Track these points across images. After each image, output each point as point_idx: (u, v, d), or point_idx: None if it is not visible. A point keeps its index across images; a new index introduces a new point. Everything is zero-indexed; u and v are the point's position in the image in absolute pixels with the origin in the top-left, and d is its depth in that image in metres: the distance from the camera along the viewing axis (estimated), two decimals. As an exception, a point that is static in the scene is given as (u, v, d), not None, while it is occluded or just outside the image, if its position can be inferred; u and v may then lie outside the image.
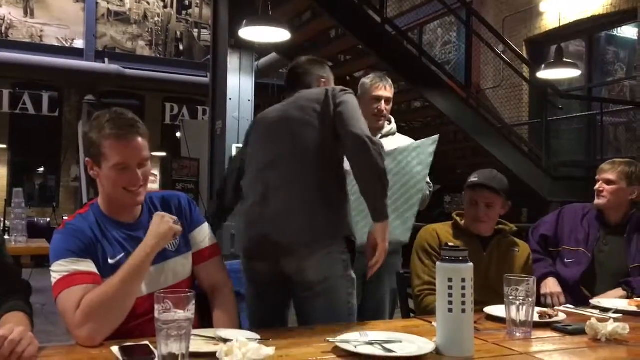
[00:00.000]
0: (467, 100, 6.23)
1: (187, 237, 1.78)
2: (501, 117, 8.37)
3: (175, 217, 1.65)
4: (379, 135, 2.92)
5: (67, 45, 13.40)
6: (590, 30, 8.27)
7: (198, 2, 14.87)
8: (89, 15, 13.58)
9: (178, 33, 14.85)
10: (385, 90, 2.88)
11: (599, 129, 7.24)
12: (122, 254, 1.63)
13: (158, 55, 14.48)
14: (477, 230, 2.31)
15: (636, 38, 7.80)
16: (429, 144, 2.69)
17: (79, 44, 13.46)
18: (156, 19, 14.58)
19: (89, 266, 1.58)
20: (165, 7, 14.70)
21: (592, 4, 7.86)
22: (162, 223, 1.59)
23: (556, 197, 5.91)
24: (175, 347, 1.26)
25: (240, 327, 1.74)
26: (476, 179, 2.27)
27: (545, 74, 6.22)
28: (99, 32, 13.80)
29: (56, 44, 13.23)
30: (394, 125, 3.01)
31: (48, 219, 10.12)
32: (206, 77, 12.77)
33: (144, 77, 13.25)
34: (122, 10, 14.14)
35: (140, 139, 1.63)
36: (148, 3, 14.47)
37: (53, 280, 1.56)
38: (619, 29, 8.29)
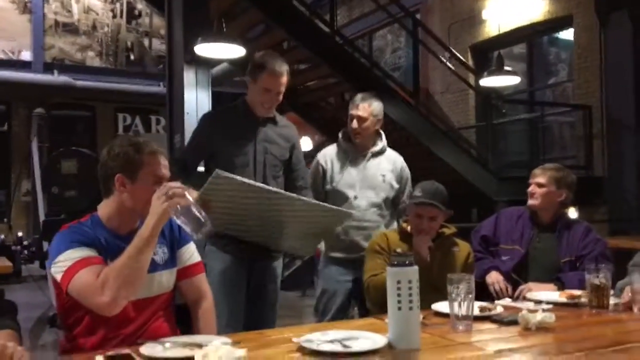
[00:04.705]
0: (416, 106, 6.49)
1: (175, 254, 1.97)
2: (449, 122, 8.70)
3: (176, 187, 1.73)
4: (369, 155, 3.09)
5: (14, 58, 13.14)
6: (530, 36, 8.68)
7: (148, 11, 14.80)
8: (36, 26, 13.35)
9: (129, 43, 14.74)
10: (357, 109, 3.04)
11: (541, 131, 7.64)
12: None
13: (108, 66, 14.35)
14: None
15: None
16: (341, 217, 2.69)
17: (27, 56, 13.22)
18: (105, 29, 14.44)
19: (97, 253, 1.75)
20: (114, 17, 14.56)
21: (530, 11, 8.25)
22: (158, 205, 1.71)
23: (502, 197, 6.23)
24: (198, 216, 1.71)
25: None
26: (420, 195, 2.50)
27: (488, 81, 6.53)
28: (46, 43, 13.58)
29: (2, 57, 12.97)
30: (383, 144, 3.15)
31: (2, 236, 9.95)
32: (159, 86, 12.77)
33: (95, 88, 13.12)
34: (70, 21, 13.95)
35: (166, 160, 1.92)
36: (97, 13, 14.32)
37: (61, 272, 1.71)
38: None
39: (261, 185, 2.53)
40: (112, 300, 1.66)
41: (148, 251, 1.73)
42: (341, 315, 3.00)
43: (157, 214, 1.71)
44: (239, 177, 2.38)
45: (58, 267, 1.73)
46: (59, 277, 1.73)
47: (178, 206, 1.70)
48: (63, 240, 1.77)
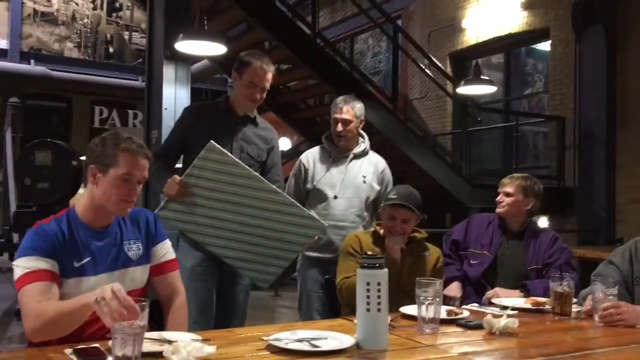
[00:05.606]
0: (394, 111, 6.55)
1: (150, 250, 1.98)
2: (427, 128, 8.79)
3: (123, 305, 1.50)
4: (351, 156, 3.13)
5: (-11, 46, 12.94)
6: (507, 47, 8.82)
7: (129, 4, 14.67)
8: (13, 14, 13.14)
9: (108, 35, 14.60)
10: (341, 113, 3.08)
11: (515, 140, 7.77)
12: (89, 258, 1.82)
13: (87, 58, 14.18)
14: None
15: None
16: (313, 229, 2.63)
17: (3, 44, 13.00)
18: (85, 20, 14.28)
19: (50, 265, 1.74)
20: (94, 8, 14.41)
21: (509, 22, 8.39)
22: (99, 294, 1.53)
23: (475, 203, 6.32)
24: (129, 351, 1.38)
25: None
26: (395, 197, 2.54)
27: (465, 89, 6.62)
28: (24, 32, 13.38)
29: (-22, 44, 12.77)
30: (365, 145, 3.19)
31: (-29, 226, 9.75)
32: (137, 80, 12.67)
33: (72, 80, 12.96)
34: (50, 11, 13.77)
35: (147, 161, 1.87)
36: (76, 4, 14.16)
37: (16, 275, 1.73)
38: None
39: (249, 168, 2.60)
40: (32, 332, 1.69)
41: (78, 318, 1.66)
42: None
43: (91, 302, 1.53)
44: (230, 154, 2.54)
45: (15, 270, 1.75)
46: (16, 276, 1.74)
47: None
48: (27, 243, 1.78)
